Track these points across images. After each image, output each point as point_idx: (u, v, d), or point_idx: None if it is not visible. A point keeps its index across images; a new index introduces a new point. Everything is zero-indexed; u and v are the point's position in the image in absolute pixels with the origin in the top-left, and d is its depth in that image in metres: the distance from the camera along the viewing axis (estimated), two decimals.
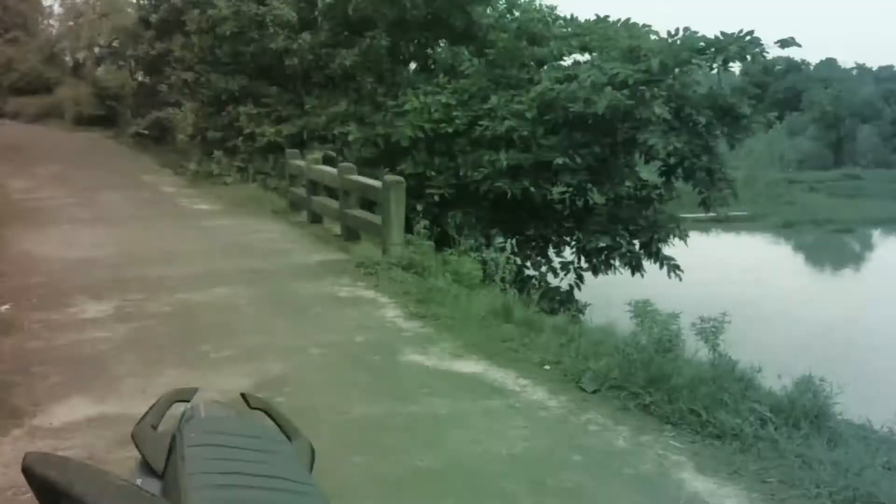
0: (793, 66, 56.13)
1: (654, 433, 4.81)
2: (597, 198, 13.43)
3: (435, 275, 8.33)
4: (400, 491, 4.03)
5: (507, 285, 8.33)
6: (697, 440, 4.70)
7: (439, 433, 4.75)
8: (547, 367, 5.91)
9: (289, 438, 1.95)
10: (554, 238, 14.24)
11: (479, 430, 4.78)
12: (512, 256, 9.32)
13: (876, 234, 38.30)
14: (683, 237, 13.28)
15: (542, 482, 4.18)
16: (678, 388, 5.14)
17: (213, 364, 5.80)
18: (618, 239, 13.01)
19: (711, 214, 14.47)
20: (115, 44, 30.56)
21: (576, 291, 13.51)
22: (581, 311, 11.62)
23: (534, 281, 12.74)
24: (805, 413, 4.94)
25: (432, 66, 15.51)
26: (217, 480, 1.57)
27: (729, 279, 20.45)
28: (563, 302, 12.57)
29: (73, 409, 4.92)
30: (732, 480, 4.25)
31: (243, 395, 2.03)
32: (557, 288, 13.37)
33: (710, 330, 5.65)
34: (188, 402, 1.92)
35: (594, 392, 5.42)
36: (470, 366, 5.93)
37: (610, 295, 10.29)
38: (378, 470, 4.22)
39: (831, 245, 35.25)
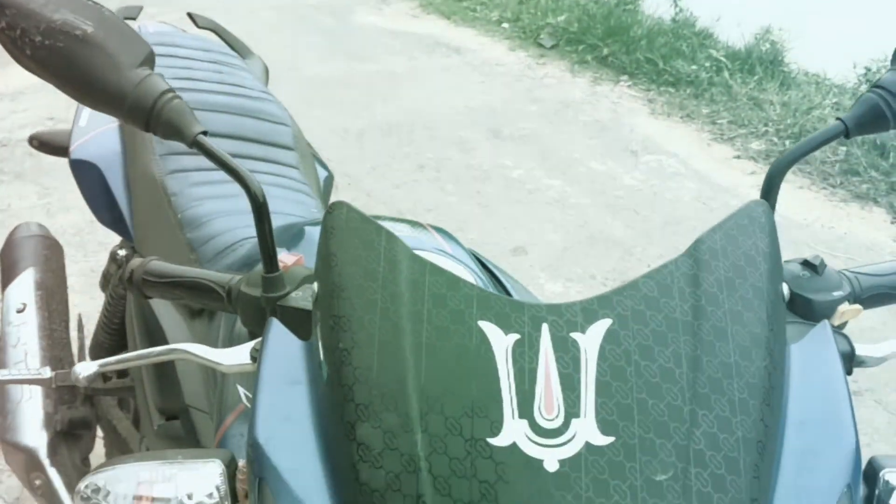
0: None
1: (610, 83, 4.85)
2: None
3: None
4: (361, 140, 4.09)
5: None
6: (653, 88, 4.75)
7: (397, 89, 4.74)
8: (505, 25, 5.79)
9: (241, 56, 1.91)
10: None
11: (436, 86, 4.77)
12: None
13: None
14: None
15: (498, 131, 4.26)
16: (636, 40, 5.11)
17: None
18: None
19: None
20: None
21: None
22: None
23: None
24: (760, 60, 4.97)
25: None
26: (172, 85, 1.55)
27: None
28: None
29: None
30: (684, 123, 4.36)
31: (190, 15, 1.95)
32: None
33: None
34: (134, 19, 1.83)
35: (552, 47, 5.37)
36: (426, 26, 5.78)
37: None
38: (338, 122, 4.25)
39: None
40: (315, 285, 0.63)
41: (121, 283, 0.78)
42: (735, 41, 5.22)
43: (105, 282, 1.76)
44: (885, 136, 3.96)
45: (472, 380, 0.53)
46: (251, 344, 0.75)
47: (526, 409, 0.52)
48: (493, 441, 0.51)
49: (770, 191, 0.74)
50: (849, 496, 0.54)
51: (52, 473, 1.55)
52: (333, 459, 0.54)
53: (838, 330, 0.72)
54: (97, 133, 1.56)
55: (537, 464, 0.50)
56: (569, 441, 0.51)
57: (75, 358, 1.76)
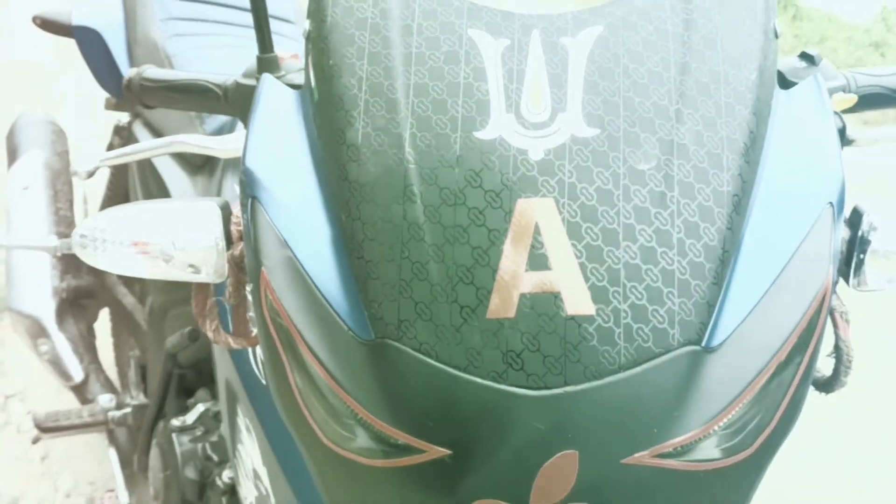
0: None
1: None
2: None
3: None
4: None
5: None
6: None
7: None
8: None
9: None
10: None
11: None
12: None
13: None
14: None
15: None
16: None
17: None
18: None
19: None
20: None
21: None
22: None
23: None
24: None
25: None
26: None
27: None
28: None
29: None
30: None
31: None
32: None
33: None
34: None
35: None
36: None
37: None
38: None
39: None
40: (307, 23, 0.63)
41: (127, 90, 0.78)
42: None
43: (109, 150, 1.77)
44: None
45: (460, 82, 0.53)
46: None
47: (513, 105, 0.53)
48: (479, 135, 0.52)
49: None
50: (831, 215, 0.54)
51: (58, 339, 1.57)
52: (323, 167, 0.55)
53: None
54: (99, 1, 1.56)
55: (522, 153, 0.51)
56: (554, 133, 0.52)
57: None
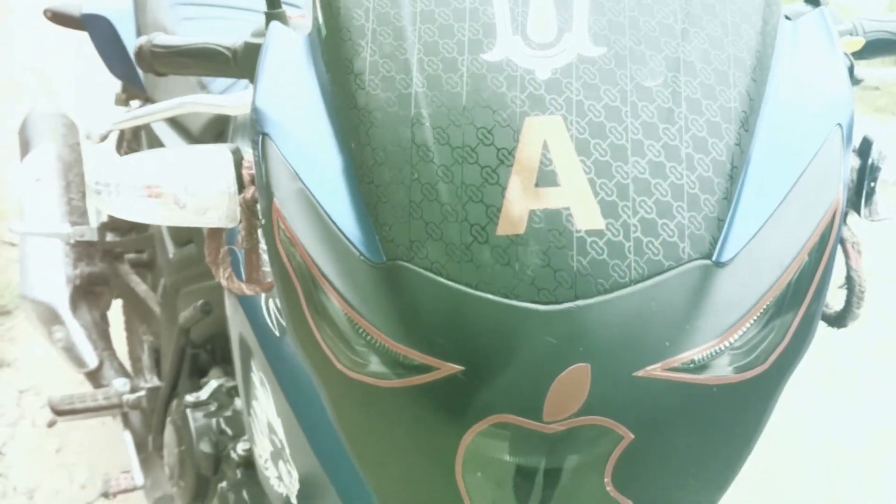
0: None
1: None
2: None
3: None
4: None
5: None
6: None
7: None
8: None
9: None
10: None
11: None
12: None
13: None
14: None
15: None
16: None
17: None
18: None
19: None
20: None
21: None
22: None
23: None
24: None
25: None
26: None
27: None
28: None
29: None
30: None
31: None
32: None
33: None
34: None
35: None
36: None
37: None
38: None
39: None
40: None
41: (139, 57, 0.78)
42: None
43: (119, 143, 1.79)
44: None
45: (466, 6, 0.54)
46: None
47: (519, 27, 0.53)
48: (486, 57, 0.52)
49: None
50: (840, 136, 0.54)
51: (73, 325, 1.59)
52: (332, 101, 0.56)
53: None
54: None
55: (530, 73, 0.51)
56: (561, 52, 0.52)
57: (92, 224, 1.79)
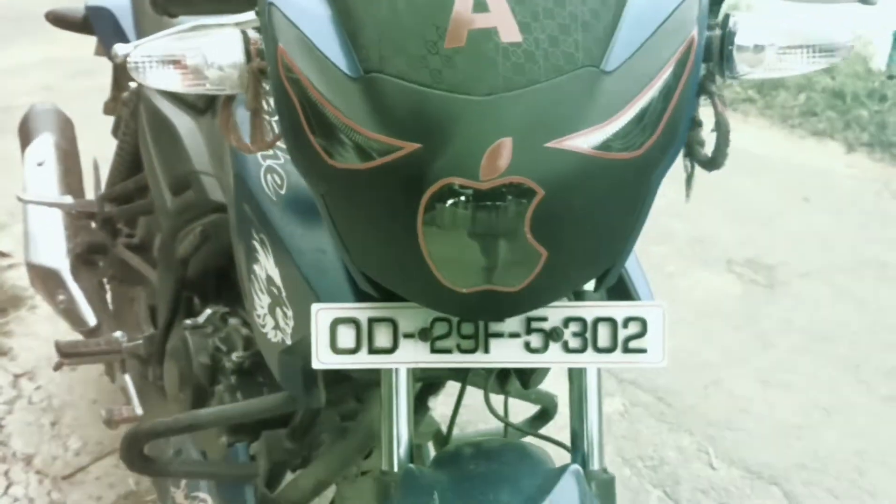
0: None
1: None
2: None
3: None
4: None
5: None
6: None
7: None
8: None
9: None
10: None
11: None
12: None
13: None
14: None
15: None
16: None
17: None
18: None
19: None
20: None
21: None
22: None
23: None
24: None
25: None
26: None
27: None
28: None
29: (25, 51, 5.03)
30: None
31: None
32: None
33: None
34: None
35: None
36: None
37: None
38: None
39: None
40: None
41: (153, 3, 0.96)
42: None
43: (116, 126, 1.96)
44: (842, 82, 4.21)
45: None
46: None
47: None
48: None
49: None
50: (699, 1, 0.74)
51: (74, 289, 1.74)
52: None
53: None
54: None
55: None
56: None
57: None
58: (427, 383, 1.23)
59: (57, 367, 1.62)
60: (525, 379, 1.11)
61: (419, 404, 1.25)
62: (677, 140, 0.74)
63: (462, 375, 1.02)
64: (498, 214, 0.67)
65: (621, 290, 0.96)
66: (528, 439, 1.02)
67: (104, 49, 1.78)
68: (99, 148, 2.11)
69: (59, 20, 1.95)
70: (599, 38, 0.69)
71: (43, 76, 4.64)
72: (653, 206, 0.76)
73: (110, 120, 2.02)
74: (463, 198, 0.67)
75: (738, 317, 2.55)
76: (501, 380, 1.12)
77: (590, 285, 0.86)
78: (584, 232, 0.71)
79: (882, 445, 2.03)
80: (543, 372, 1.10)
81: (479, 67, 0.67)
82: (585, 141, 0.67)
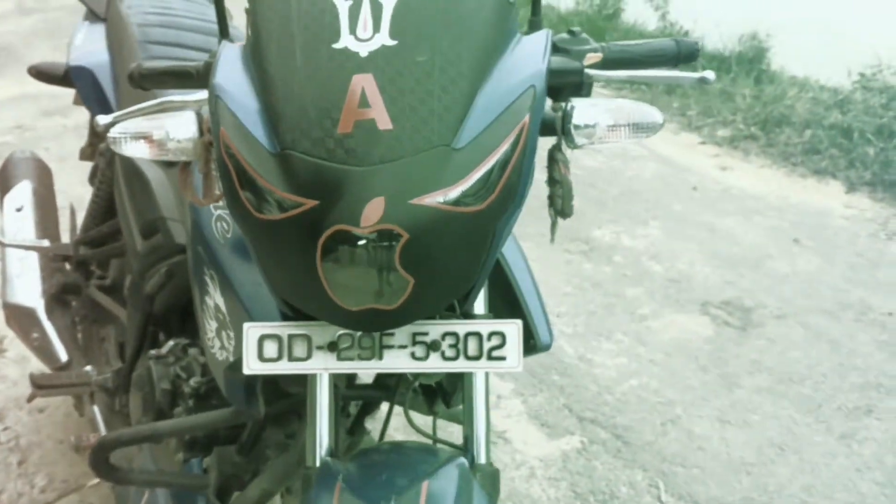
0: None
1: None
2: None
3: None
4: None
5: None
6: (625, 87, 5.40)
7: None
8: None
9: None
10: None
11: None
12: None
13: None
14: None
15: None
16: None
17: None
18: None
19: None
20: None
21: None
22: None
23: None
24: (739, 60, 5.67)
25: None
26: (159, 37, 2.18)
27: None
28: None
29: None
30: None
31: None
32: None
33: None
34: None
35: None
36: None
37: None
38: None
39: None
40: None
41: (131, 78, 1.36)
42: (716, 45, 5.92)
43: (93, 175, 2.36)
44: (852, 118, 4.61)
45: (323, 21, 1.12)
46: None
47: (352, 29, 1.11)
48: (334, 45, 1.10)
49: None
50: (533, 91, 1.13)
51: (48, 327, 2.13)
52: (252, 73, 1.14)
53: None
54: (90, 47, 2.20)
55: (356, 54, 1.09)
56: (373, 42, 1.10)
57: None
58: (364, 403, 1.62)
59: (30, 399, 2.00)
60: (447, 399, 1.49)
61: (357, 424, 1.63)
62: (516, 197, 1.11)
63: (390, 396, 1.40)
64: (376, 252, 1.04)
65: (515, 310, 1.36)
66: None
67: (83, 101, 2.19)
68: (71, 188, 2.51)
69: (41, 74, 2.35)
70: (451, 125, 1.07)
71: (15, 115, 5.09)
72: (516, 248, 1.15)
73: (85, 163, 2.43)
74: (350, 240, 1.04)
75: (705, 358, 2.91)
76: (429, 401, 1.51)
77: (480, 306, 1.24)
78: (442, 265, 1.09)
79: (830, 481, 2.36)
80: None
81: (362, 147, 1.04)
82: (439, 198, 1.05)
